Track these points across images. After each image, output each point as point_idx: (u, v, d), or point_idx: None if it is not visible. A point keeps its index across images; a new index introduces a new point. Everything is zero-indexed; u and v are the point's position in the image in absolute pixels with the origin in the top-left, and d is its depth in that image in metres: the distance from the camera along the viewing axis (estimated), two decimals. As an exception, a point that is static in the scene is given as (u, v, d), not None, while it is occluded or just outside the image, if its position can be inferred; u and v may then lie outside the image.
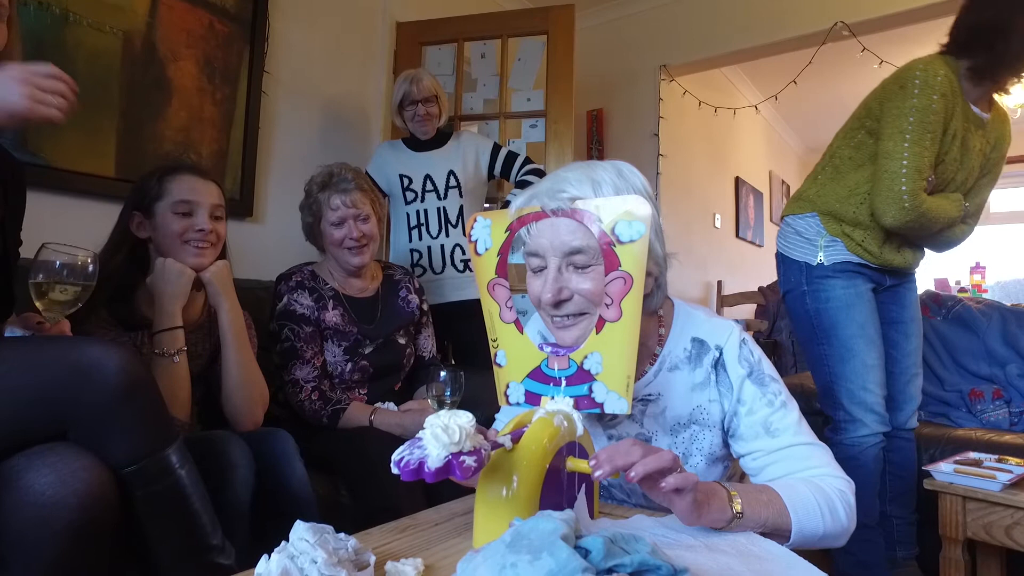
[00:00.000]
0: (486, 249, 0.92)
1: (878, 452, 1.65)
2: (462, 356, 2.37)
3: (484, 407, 1.83)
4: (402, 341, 1.76)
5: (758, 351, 0.95)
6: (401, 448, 0.63)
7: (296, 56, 2.41)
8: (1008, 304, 2.43)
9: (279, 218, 2.34)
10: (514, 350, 0.90)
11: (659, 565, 0.52)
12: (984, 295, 4.07)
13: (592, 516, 0.85)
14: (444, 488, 1.42)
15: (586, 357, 0.83)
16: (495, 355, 0.93)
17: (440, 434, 0.60)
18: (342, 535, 0.61)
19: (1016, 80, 1.53)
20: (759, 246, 5.29)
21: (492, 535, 0.69)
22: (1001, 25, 1.51)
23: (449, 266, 2.32)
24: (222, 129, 2.12)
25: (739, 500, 0.75)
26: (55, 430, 0.85)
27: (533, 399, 0.87)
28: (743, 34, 3.27)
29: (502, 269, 0.91)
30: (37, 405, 0.84)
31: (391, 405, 1.65)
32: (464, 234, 2.36)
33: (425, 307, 1.87)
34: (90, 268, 0.98)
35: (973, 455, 1.64)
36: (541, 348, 0.87)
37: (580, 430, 0.81)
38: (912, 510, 1.78)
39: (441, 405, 1.46)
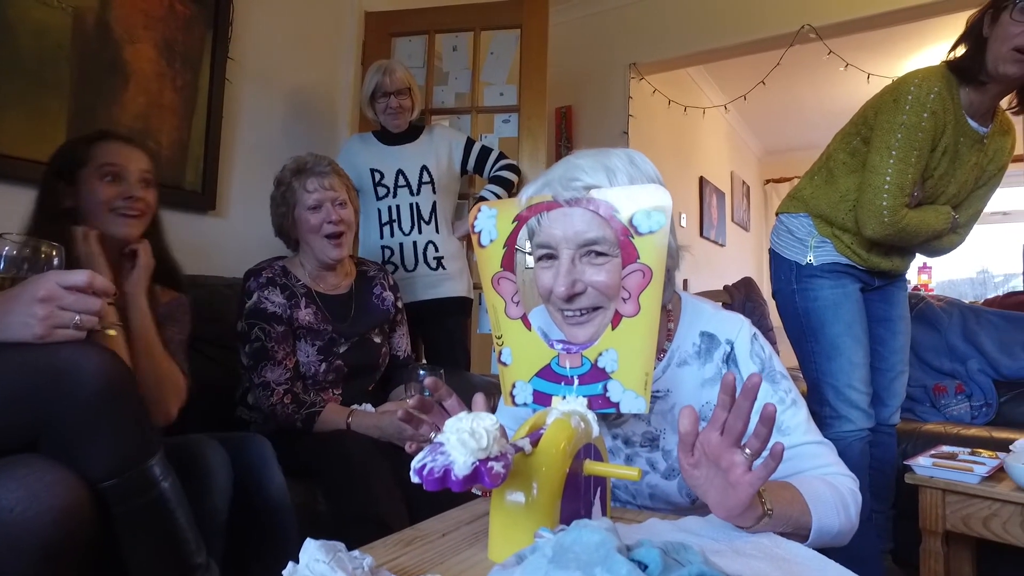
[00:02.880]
0: (491, 240, 0.87)
1: (864, 447, 1.67)
2: (435, 356, 2.31)
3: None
4: (377, 340, 1.69)
5: (768, 347, 0.93)
6: (421, 455, 0.58)
7: (261, 43, 2.30)
8: (967, 302, 2.51)
9: (243, 212, 2.23)
10: (521, 347, 0.85)
11: (715, 575, 0.48)
12: (930, 294, 4.23)
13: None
14: (423, 496, 1.38)
15: (600, 354, 0.79)
16: (499, 353, 0.87)
17: (467, 439, 0.55)
18: (356, 553, 0.56)
19: (995, 83, 1.51)
20: (721, 245, 5.38)
21: (512, 546, 0.64)
22: (973, 20, 1.53)
23: (422, 264, 2.26)
24: (183, 117, 2.00)
25: (768, 497, 0.73)
26: (24, 440, 0.75)
27: (542, 399, 0.83)
28: (712, 34, 3.29)
29: (508, 262, 0.86)
30: (3, 412, 0.74)
31: (368, 406, 1.58)
32: (436, 231, 2.32)
33: (400, 304, 1.81)
34: (55, 261, 0.88)
35: (946, 449, 1.67)
36: (552, 345, 0.83)
37: (596, 431, 0.77)
38: (890, 504, 1.81)
39: None
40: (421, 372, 1.40)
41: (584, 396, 0.79)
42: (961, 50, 1.55)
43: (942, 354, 2.35)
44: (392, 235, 2.24)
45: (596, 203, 0.78)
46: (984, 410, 2.21)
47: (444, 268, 2.27)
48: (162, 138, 1.94)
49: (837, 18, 2.88)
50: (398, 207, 2.24)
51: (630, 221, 0.77)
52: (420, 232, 2.26)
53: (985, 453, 1.61)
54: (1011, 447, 1.56)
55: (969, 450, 1.64)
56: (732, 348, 0.91)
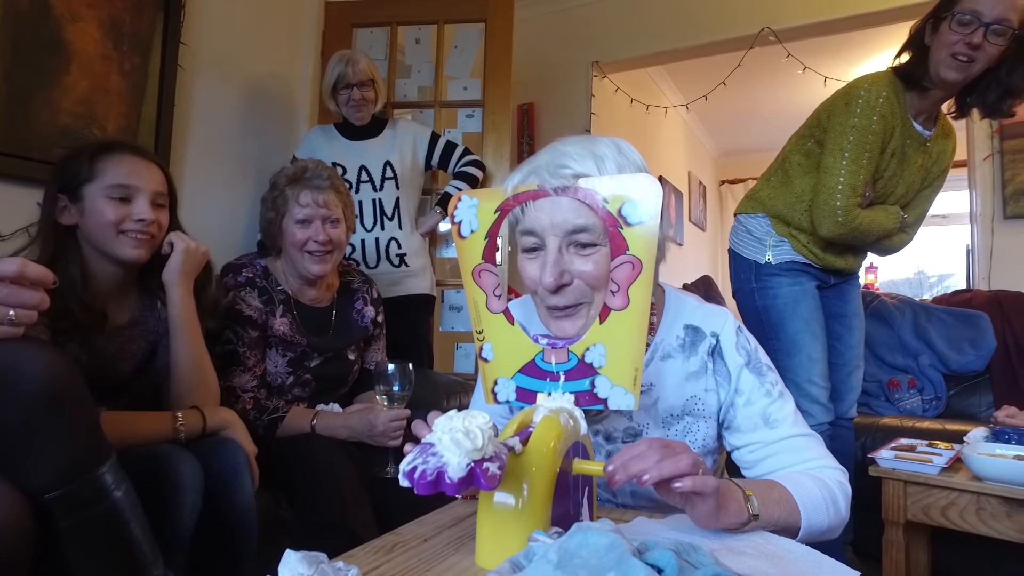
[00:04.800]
0: (471, 231, 0.83)
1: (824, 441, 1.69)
2: (397, 355, 2.25)
3: (427, 407, 1.74)
4: (351, 357, 1.62)
5: (753, 340, 0.92)
6: (411, 457, 0.54)
7: (216, 28, 2.19)
8: (918, 300, 2.60)
9: (197, 206, 2.13)
10: (504, 343, 0.82)
11: (729, 578, 0.46)
12: (883, 292, 4.40)
13: (591, 520, 0.79)
14: (391, 498, 1.33)
15: (588, 349, 0.76)
16: (480, 349, 0.84)
17: (462, 439, 0.51)
18: (339, 564, 0.51)
19: (937, 88, 1.58)
20: (679, 244, 5.46)
21: (502, 551, 0.61)
22: (916, 30, 1.60)
23: (384, 261, 2.21)
24: (131, 104, 1.88)
25: (756, 500, 0.71)
26: None
27: (526, 396, 0.79)
28: (674, 34, 3.32)
29: (490, 253, 0.82)
30: None
31: (335, 406, 1.51)
32: (399, 227, 2.26)
33: (380, 319, 1.72)
34: None
35: (905, 441, 1.72)
36: (536, 340, 0.80)
37: (584, 429, 0.74)
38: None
39: (390, 400, 1.37)
40: (390, 366, 1.35)
41: (571, 392, 0.76)
42: (905, 57, 1.63)
43: (895, 350, 2.42)
44: (353, 231, 2.17)
45: (584, 192, 0.75)
46: (934, 403, 2.30)
47: (407, 265, 2.22)
48: (108, 124, 1.82)
49: (796, 22, 2.95)
50: (360, 203, 2.18)
51: (619, 211, 0.74)
52: (383, 228, 2.21)
53: (941, 445, 1.65)
54: (965, 438, 1.61)
55: (926, 442, 1.68)
56: (718, 341, 0.90)
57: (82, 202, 1.13)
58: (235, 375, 1.41)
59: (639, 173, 0.78)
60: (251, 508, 1.05)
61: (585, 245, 0.78)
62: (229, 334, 1.42)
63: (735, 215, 1.91)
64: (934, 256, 6.27)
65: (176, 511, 0.91)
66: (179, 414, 1.13)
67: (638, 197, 0.73)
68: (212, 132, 2.20)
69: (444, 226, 2.45)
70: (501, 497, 0.64)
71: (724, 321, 0.91)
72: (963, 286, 4.05)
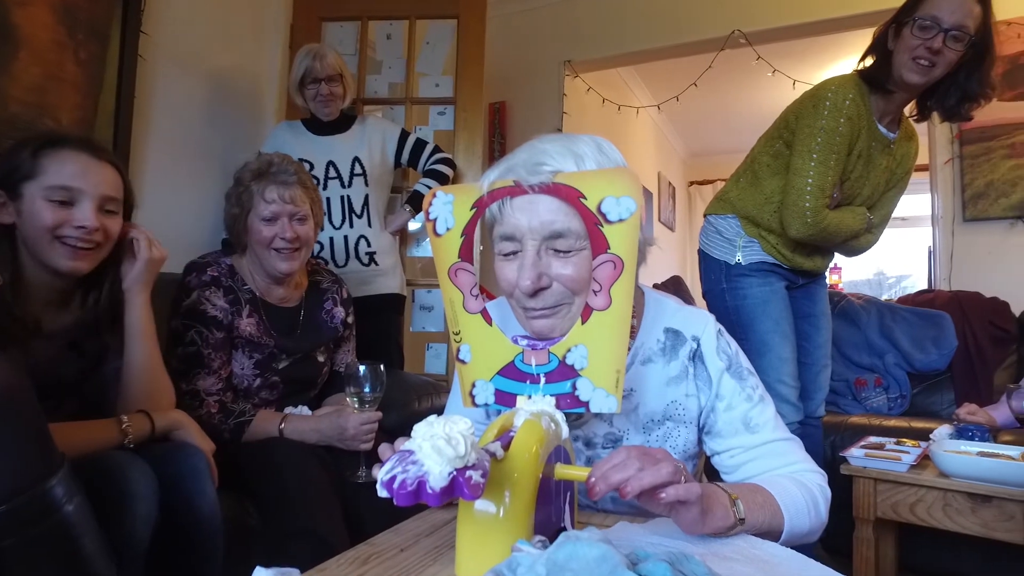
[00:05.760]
0: (447, 229, 0.80)
1: None
2: (367, 355, 2.20)
3: (399, 409, 1.70)
4: (321, 359, 1.57)
5: (734, 343, 0.91)
6: (389, 465, 0.51)
7: (179, 18, 2.11)
8: (883, 299, 2.65)
9: (157, 203, 2.05)
10: (481, 344, 0.79)
11: (724, 589, 0.44)
12: (850, 293, 4.49)
13: (573, 526, 0.77)
14: (363, 505, 1.29)
15: (569, 351, 0.74)
16: (457, 350, 0.81)
17: (443, 446, 0.48)
18: (312, 580, 0.48)
19: (900, 91, 1.61)
20: (654, 246, 5.48)
21: (484, 562, 0.58)
22: (879, 34, 1.64)
23: (353, 259, 2.16)
24: (87, 94, 1.79)
25: (741, 504, 0.70)
26: None
27: (505, 399, 0.77)
28: (646, 35, 3.34)
29: (467, 252, 0.80)
30: None
31: (304, 409, 1.46)
32: (369, 225, 2.22)
33: (350, 320, 1.68)
34: None
35: (874, 439, 1.74)
36: (516, 341, 0.77)
37: (566, 432, 0.72)
38: (820, 494, 1.87)
39: (361, 402, 1.33)
40: (361, 368, 1.31)
41: (551, 395, 0.74)
42: (869, 60, 1.66)
43: (862, 349, 2.47)
44: (322, 229, 2.11)
45: (562, 189, 0.73)
46: (899, 401, 2.35)
47: (376, 264, 2.18)
48: (61, 116, 1.73)
49: (766, 25, 2.99)
50: (328, 200, 2.13)
51: (599, 208, 0.72)
52: (351, 226, 2.16)
53: (908, 442, 1.68)
54: (931, 436, 1.64)
55: (894, 440, 1.71)
56: (699, 345, 0.89)
57: (20, 201, 1.04)
58: (199, 378, 1.35)
59: (622, 168, 0.76)
60: (215, 515, 1.01)
61: (564, 250, 0.75)
62: (193, 335, 1.36)
63: (705, 216, 1.92)
64: (893, 258, 6.44)
65: (128, 522, 0.85)
66: (124, 418, 1.07)
67: (617, 192, 0.72)
68: (175, 126, 2.12)
69: (414, 225, 2.41)
70: (482, 505, 0.61)
71: (705, 325, 0.90)
72: (921, 287, 4.17)
